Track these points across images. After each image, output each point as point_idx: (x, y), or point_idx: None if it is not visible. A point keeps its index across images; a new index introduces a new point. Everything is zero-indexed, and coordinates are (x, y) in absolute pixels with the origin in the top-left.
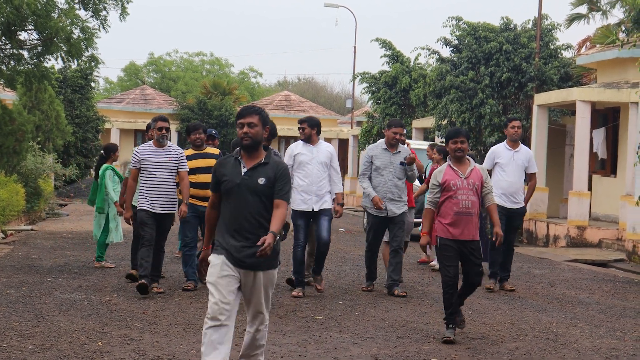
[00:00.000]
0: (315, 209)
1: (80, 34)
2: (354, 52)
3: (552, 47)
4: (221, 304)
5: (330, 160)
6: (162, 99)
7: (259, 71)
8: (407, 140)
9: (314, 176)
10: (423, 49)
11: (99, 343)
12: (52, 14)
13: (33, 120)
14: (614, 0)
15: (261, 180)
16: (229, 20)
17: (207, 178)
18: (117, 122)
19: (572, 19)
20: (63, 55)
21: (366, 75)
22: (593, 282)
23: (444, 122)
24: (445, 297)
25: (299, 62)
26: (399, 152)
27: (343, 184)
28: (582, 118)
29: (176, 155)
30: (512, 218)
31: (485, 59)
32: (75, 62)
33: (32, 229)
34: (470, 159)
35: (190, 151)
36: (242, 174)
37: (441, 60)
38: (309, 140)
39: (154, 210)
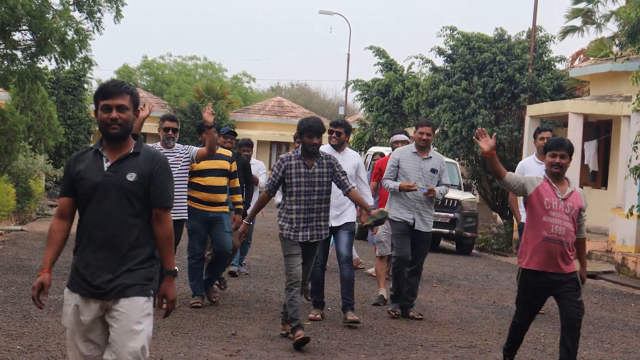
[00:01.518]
0: (334, 224)
1: (74, 36)
2: (348, 60)
3: (545, 58)
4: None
5: (357, 170)
6: (155, 102)
7: (252, 76)
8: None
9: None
10: (417, 57)
11: None
12: (47, 15)
13: (25, 120)
14: (608, 14)
15: (130, 176)
16: (222, 25)
17: (218, 181)
18: None
19: (567, 31)
20: (57, 56)
21: (359, 83)
22: (582, 293)
23: (436, 131)
24: (506, 345)
25: (293, 68)
26: (430, 157)
27: None
28: (574, 130)
29: (182, 153)
30: None
31: (479, 69)
32: (69, 63)
33: (22, 229)
34: (569, 179)
35: None
36: (105, 169)
37: (434, 69)
38: (339, 147)
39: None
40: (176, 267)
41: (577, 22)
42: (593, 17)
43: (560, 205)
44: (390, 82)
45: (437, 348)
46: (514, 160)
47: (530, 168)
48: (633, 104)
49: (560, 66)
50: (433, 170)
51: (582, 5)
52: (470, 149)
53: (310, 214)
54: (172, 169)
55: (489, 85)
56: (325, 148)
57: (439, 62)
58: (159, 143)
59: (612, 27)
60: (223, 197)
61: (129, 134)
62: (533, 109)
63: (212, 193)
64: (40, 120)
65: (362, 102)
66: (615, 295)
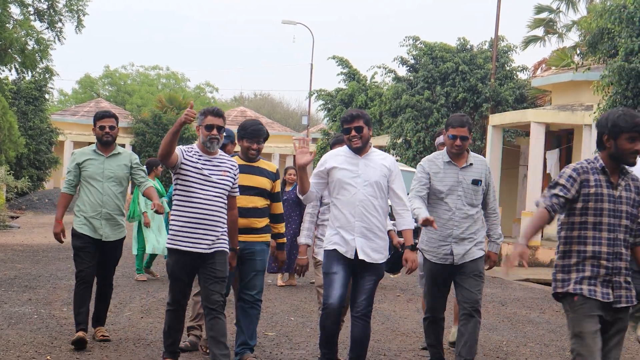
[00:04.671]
0: (361, 257)
1: (35, 46)
2: (311, 69)
3: (507, 68)
4: None
5: (389, 178)
6: (117, 112)
7: (215, 86)
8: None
9: (357, 204)
10: (380, 67)
11: (48, 357)
12: (7, 25)
13: None
14: (570, 24)
15: None
16: (185, 35)
17: (252, 201)
18: (71, 135)
19: (529, 41)
20: (17, 66)
21: (322, 93)
22: (544, 301)
23: (399, 141)
24: None
25: (256, 78)
26: (470, 164)
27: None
28: (537, 139)
29: (231, 170)
30: None
31: (441, 79)
32: (30, 73)
33: None
34: None
35: (237, 160)
36: None
37: (397, 79)
38: (362, 149)
39: (195, 249)
40: None
41: (539, 31)
42: (555, 27)
43: None
44: (354, 91)
45: (400, 357)
46: None
47: None
48: (594, 113)
49: (522, 76)
50: (475, 182)
51: (543, 15)
52: None
53: (617, 261)
54: (221, 185)
55: (451, 94)
56: (339, 152)
57: (402, 71)
58: (195, 145)
59: (573, 37)
60: (260, 223)
61: None
62: (495, 119)
63: (245, 217)
64: (0, 131)
65: (326, 112)
66: None
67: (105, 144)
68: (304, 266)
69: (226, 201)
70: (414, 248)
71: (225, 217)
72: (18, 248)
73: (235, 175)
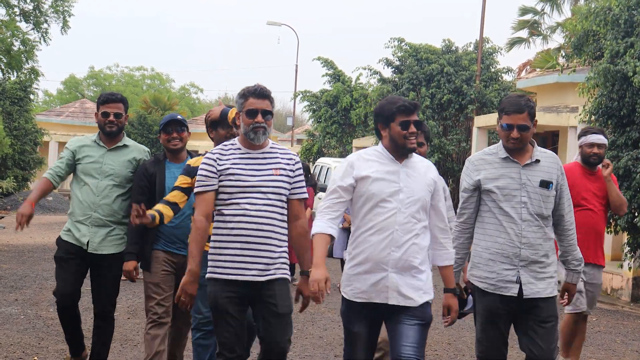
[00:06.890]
0: (393, 302)
1: (20, 46)
2: (296, 70)
3: (492, 70)
4: None
5: (433, 193)
6: None
7: (200, 87)
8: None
9: (396, 228)
10: (365, 68)
11: (35, 358)
12: None
13: None
14: (554, 26)
15: None
16: (170, 35)
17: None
18: (55, 135)
19: (513, 42)
20: (2, 67)
21: (307, 94)
22: None
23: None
24: None
25: (240, 78)
26: (537, 161)
27: None
28: None
29: (287, 165)
30: None
31: (427, 80)
32: (15, 74)
33: None
34: None
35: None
36: None
37: (382, 80)
38: (406, 150)
39: (241, 277)
40: None
41: (524, 33)
42: (539, 29)
43: None
44: (339, 93)
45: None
46: (461, 171)
47: None
48: (579, 115)
49: (507, 77)
50: (545, 184)
51: (528, 17)
52: None
53: None
54: (273, 187)
55: (436, 96)
56: (369, 155)
57: (387, 73)
58: (237, 139)
59: (558, 39)
60: None
61: None
62: (480, 120)
63: None
64: None
65: (310, 113)
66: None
67: (109, 134)
68: None
69: (282, 209)
70: (456, 292)
71: (283, 231)
72: (3, 248)
73: (293, 171)
